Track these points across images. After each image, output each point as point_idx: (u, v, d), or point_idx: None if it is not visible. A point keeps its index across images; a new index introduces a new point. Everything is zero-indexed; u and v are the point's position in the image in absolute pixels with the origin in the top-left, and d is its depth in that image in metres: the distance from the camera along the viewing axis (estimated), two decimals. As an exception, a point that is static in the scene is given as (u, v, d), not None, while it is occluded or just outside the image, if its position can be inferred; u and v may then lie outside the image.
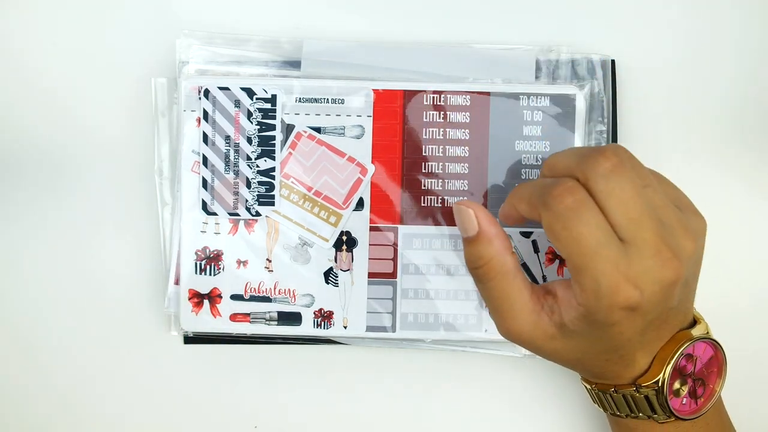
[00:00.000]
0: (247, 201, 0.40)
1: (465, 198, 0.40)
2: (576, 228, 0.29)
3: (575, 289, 0.30)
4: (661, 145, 0.42)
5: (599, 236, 0.29)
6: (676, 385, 0.33)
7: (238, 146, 0.40)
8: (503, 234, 0.33)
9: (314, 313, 0.40)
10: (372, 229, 0.40)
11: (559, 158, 0.32)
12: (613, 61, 0.41)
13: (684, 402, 0.33)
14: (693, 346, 0.33)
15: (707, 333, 0.34)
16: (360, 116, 0.40)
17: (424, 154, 0.40)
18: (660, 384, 0.32)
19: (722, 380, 0.34)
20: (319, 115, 0.40)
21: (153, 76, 0.41)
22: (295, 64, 0.41)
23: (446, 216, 0.40)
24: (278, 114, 0.40)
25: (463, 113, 0.40)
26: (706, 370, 0.34)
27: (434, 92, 0.40)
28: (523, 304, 0.32)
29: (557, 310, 0.32)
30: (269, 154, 0.40)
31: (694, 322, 0.34)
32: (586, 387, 0.36)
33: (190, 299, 0.40)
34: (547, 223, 0.30)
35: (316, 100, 0.40)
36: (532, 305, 0.32)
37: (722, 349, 0.34)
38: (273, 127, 0.40)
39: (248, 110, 0.40)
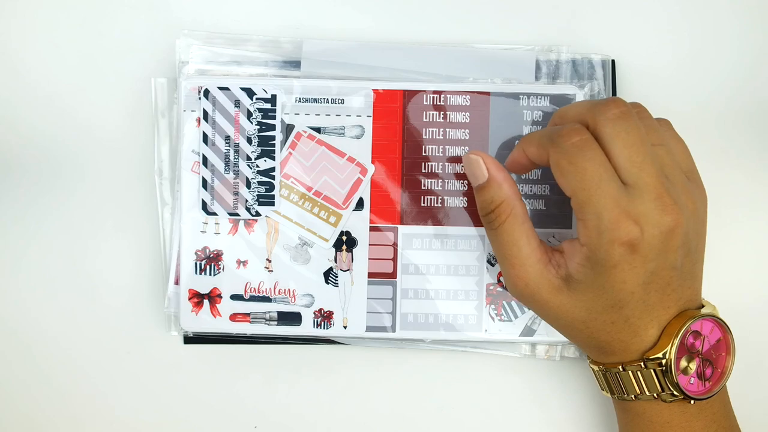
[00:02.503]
0: (247, 201, 0.40)
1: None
2: (580, 162, 0.31)
3: (579, 230, 0.32)
4: (661, 145, 0.42)
5: (602, 172, 0.31)
6: (684, 362, 0.33)
7: (238, 146, 0.40)
8: (512, 180, 0.35)
9: (314, 313, 0.40)
10: (372, 229, 0.40)
11: (570, 107, 0.34)
12: (613, 61, 0.41)
13: (692, 381, 0.34)
14: (700, 323, 0.33)
15: (714, 312, 0.34)
16: (360, 116, 0.40)
17: (424, 154, 0.40)
18: (668, 358, 0.33)
19: (731, 363, 0.35)
20: (319, 115, 0.40)
21: (153, 76, 0.41)
22: (295, 64, 0.41)
23: (446, 216, 0.40)
24: (278, 114, 0.40)
25: (463, 113, 0.40)
26: (714, 352, 0.34)
27: (434, 92, 0.40)
28: (531, 251, 0.33)
29: (563, 264, 0.33)
30: (269, 154, 0.40)
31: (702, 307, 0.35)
32: (593, 369, 0.36)
33: (190, 299, 0.40)
34: (554, 161, 0.32)
35: (316, 100, 0.40)
36: (540, 254, 0.33)
37: (730, 331, 0.35)
38: (273, 127, 0.40)
39: (248, 110, 0.40)
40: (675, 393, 0.33)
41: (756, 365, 0.42)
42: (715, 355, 0.34)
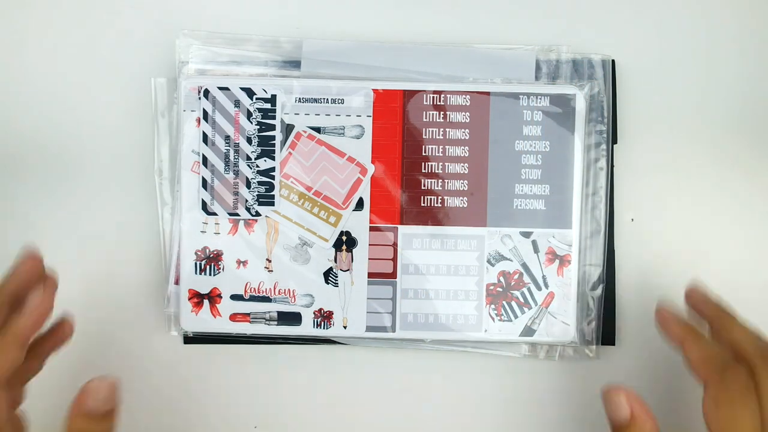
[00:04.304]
0: (246, 201, 0.40)
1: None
2: (739, 409, 0.32)
3: None
4: (661, 145, 0.42)
5: (754, 425, 0.31)
6: None
7: (238, 146, 0.40)
8: (654, 420, 0.34)
9: (314, 313, 0.40)
10: (372, 229, 0.40)
11: (740, 332, 0.34)
12: (613, 61, 0.41)
13: None
14: None
15: None
16: (360, 116, 0.40)
17: (424, 154, 0.40)
18: None
19: None
20: (318, 115, 0.40)
21: (153, 76, 0.41)
22: (295, 64, 0.41)
23: (446, 216, 0.40)
24: (278, 114, 0.40)
25: (463, 113, 0.40)
26: None
27: (434, 92, 0.40)
28: None
29: None
30: (269, 154, 0.40)
31: None
32: None
33: (190, 299, 0.40)
34: (713, 394, 0.33)
35: (315, 100, 0.40)
36: None
37: None
38: (273, 127, 0.40)
39: (248, 110, 0.40)
40: None
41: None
42: None
